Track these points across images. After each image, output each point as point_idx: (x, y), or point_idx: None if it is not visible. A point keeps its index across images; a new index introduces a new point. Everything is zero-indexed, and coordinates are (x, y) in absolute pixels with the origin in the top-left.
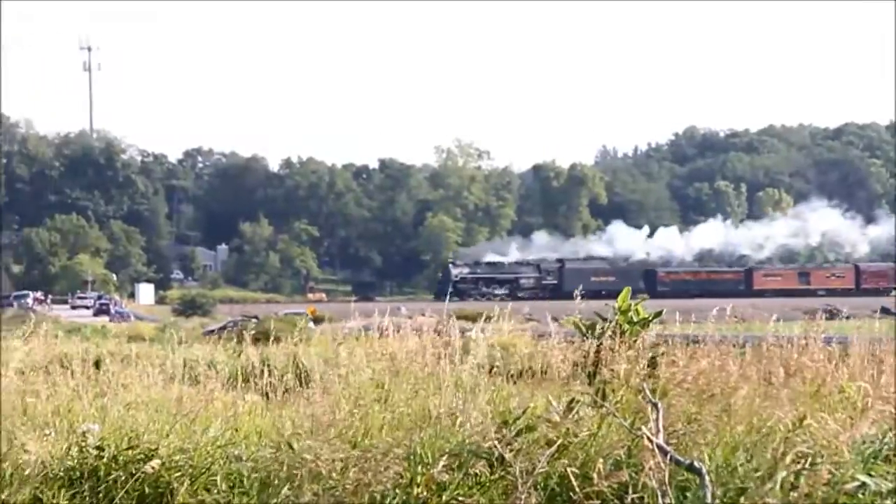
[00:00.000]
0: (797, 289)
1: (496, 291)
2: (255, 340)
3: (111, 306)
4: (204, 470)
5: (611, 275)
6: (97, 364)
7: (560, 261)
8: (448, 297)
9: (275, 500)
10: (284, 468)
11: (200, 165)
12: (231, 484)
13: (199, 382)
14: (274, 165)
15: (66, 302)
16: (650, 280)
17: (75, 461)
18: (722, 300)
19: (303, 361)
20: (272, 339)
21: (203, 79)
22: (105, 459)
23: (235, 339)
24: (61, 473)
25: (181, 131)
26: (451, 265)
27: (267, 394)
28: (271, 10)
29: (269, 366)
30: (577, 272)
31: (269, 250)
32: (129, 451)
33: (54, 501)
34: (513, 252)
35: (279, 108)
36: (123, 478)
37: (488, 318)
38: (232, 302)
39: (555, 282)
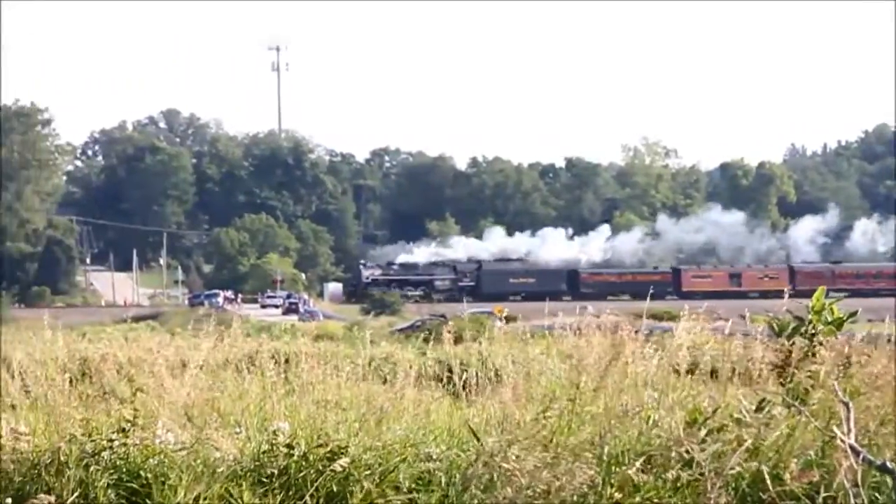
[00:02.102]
0: (728, 290)
1: (409, 293)
2: (444, 339)
3: (300, 305)
4: (392, 468)
5: (530, 276)
6: (287, 362)
7: (478, 262)
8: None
9: (465, 500)
10: (474, 468)
11: (388, 165)
12: (420, 483)
13: (388, 381)
14: (461, 164)
15: (255, 301)
16: (573, 281)
17: (265, 459)
18: (648, 302)
19: (491, 360)
20: (461, 337)
21: (391, 78)
22: (295, 457)
23: (423, 338)
24: (251, 471)
25: (369, 131)
26: (361, 266)
27: (456, 392)
28: (456, 8)
29: (457, 364)
30: (495, 273)
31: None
32: (319, 450)
33: (244, 499)
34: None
35: (466, 107)
36: (312, 476)
37: (675, 317)
38: (420, 301)
39: (472, 283)
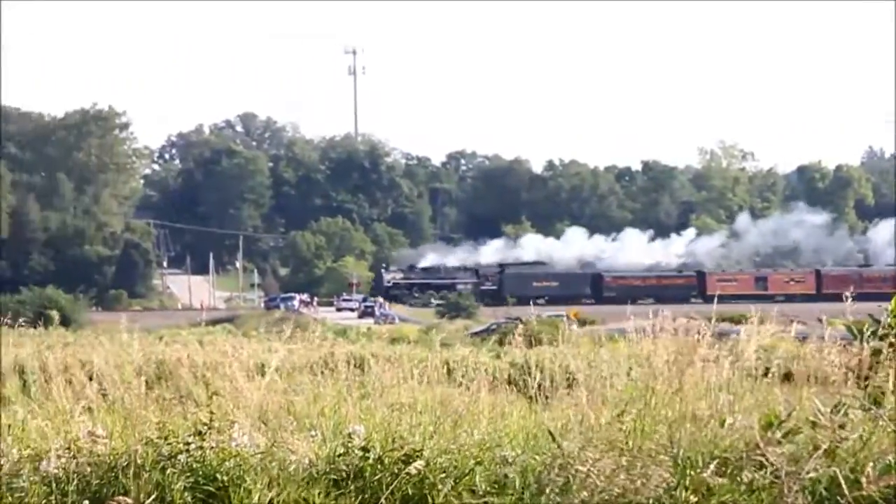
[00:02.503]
0: (754, 294)
1: (432, 298)
2: (519, 342)
3: (376, 308)
4: (468, 472)
5: (553, 280)
6: (362, 366)
7: (500, 266)
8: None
9: None
10: (550, 471)
11: (464, 168)
12: (495, 487)
13: (463, 384)
14: (537, 167)
15: (331, 304)
16: (596, 285)
17: (340, 462)
18: (674, 305)
19: (567, 363)
20: (536, 340)
21: (467, 81)
22: (370, 461)
23: (498, 341)
24: (326, 474)
25: (445, 134)
26: (382, 270)
27: (532, 396)
28: (533, 10)
29: (533, 368)
30: (518, 277)
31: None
32: (394, 453)
33: (319, 502)
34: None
35: (543, 110)
36: (388, 479)
37: (748, 320)
38: (495, 304)
39: (494, 287)
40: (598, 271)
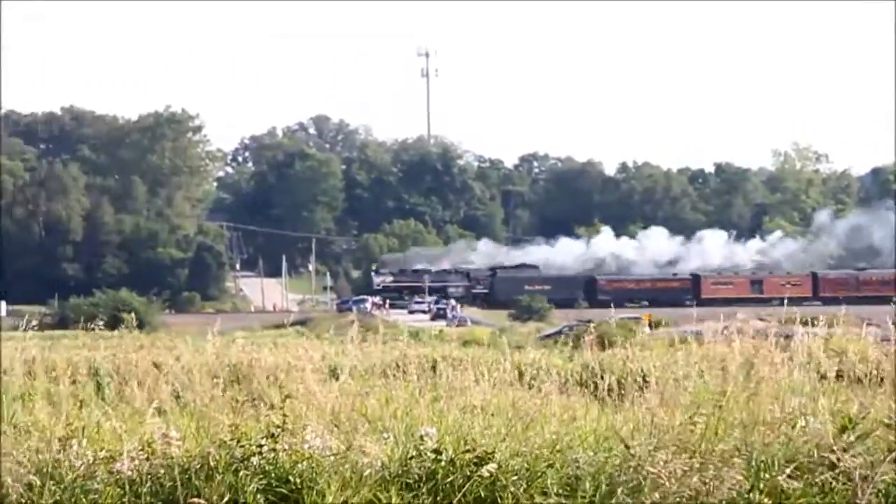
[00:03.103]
0: (749, 297)
1: (422, 301)
2: (591, 345)
3: (448, 310)
4: (540, 474)
5: (546, 283)
6: (434, 368)
7: (492, 269)
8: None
9: None
10: (622, 473)
11: (536, 170)
12: (567, 489)
13: (535, 386)
14: (610, 170)
15: (404, 307)
16: (590, 288)
17: (413, 464)
18: (669, 309)
19: (638, 365)
20: (608, 343)
21: (539, 83)
22: (442, 463)
23: (571, 344)
24: (399, 476)
25: (517, 136)
26: (373, 273)
27: (603, 397)
28: (604, 12)
29: (605, 370)
30: (509, 280)
31: None
32: (466, 455)
33: (393, 503)
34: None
35: (615, 112)
36: (460, 481)
37: (819, 323)
38: (567, 307)
39: (486, 290)
40: (591, 275)
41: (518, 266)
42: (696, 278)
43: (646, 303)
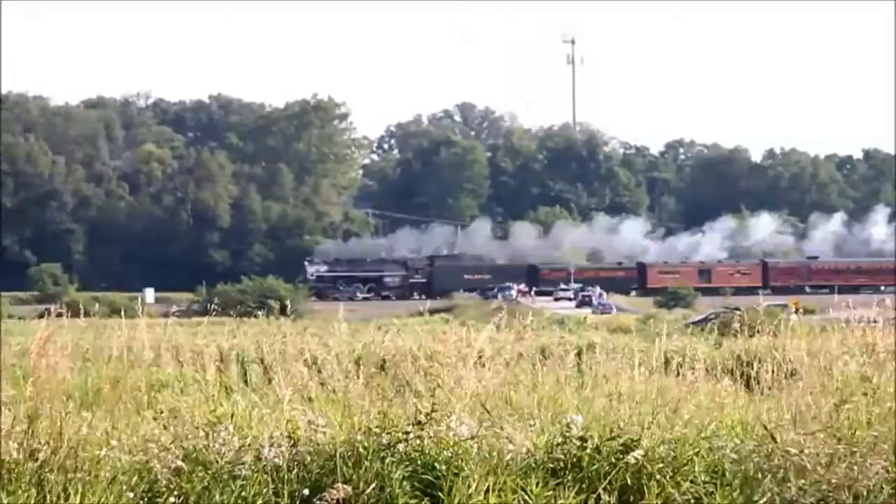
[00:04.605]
0: (697, 286)
1: (358, 291)
2: (738, 332)
3: (594, 298)
4: (686, 461)
5: (486, 272)
6: (579, 355)
7: (430, 258)
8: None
9: (758, 494)
10: (768, 461)
11: (682, 157)
12: (713, 476)
13: (681, 374)
14: (756, 156)
15: (549, 294)
16: (532, 277)
17: (558, 451)
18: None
19: (786, 353)
20: (755, 330)
21: (685, 69)
22: (588, 450)
23: (717, 331)
24: (544, 463)
25: (663, 123)
26: (306, 262)
27: (749, 385)
28: None
29: (752, 357)
30: (448, 270)
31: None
32: (612, 442)
33: (537, 491)
34: None
35: (761, 97)
36: (605, 469)
37: None
38: (714, 293)
39: (424, 280)
40: (533, 263)
41: (458, 255)
42: (641, 267)
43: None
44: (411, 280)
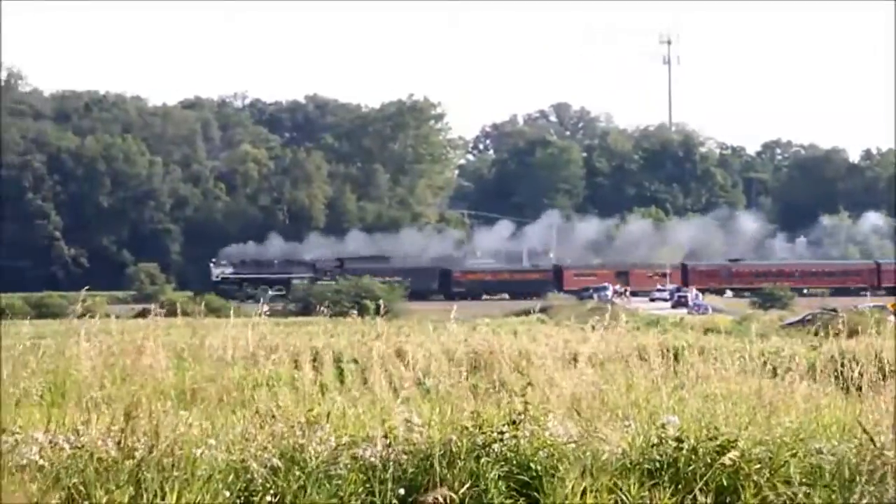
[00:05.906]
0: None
1: (264, 293)
2: (836, 333)
3: (689, 298)
4: (783, 463)
5: (397, 275)
6: (676, 356)
7: (339, 260)
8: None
9: (856, 496)
10: (865, 463)
11: (779, 157)
12: (809, 477)
13: (778, 375)
14: (854, 157)
15: (645, 294)
16: (445, 280)
17: (654, 452)
18: (530, 302)
19: (884, 355)
20: (852, 332)
21: (782, 69)
22: (684, 451)
23: (815, 332)
24: (639, 464)
25: (760, 123)
26: (211, 264)
27: (847, 387)
28: None
29: (849, 359)
30: (357, 272)
31: (847, 243)
32: (708, 443)
33: (633, 492)
34: None
35: (858, 97)
36: (702, 469)
37: None
38: (811, 294)
39: (332, 282)
40: (446, 266)
41: (367, 257)
42: (557, 270)
43: (506, 295)
44: (319, 282)
